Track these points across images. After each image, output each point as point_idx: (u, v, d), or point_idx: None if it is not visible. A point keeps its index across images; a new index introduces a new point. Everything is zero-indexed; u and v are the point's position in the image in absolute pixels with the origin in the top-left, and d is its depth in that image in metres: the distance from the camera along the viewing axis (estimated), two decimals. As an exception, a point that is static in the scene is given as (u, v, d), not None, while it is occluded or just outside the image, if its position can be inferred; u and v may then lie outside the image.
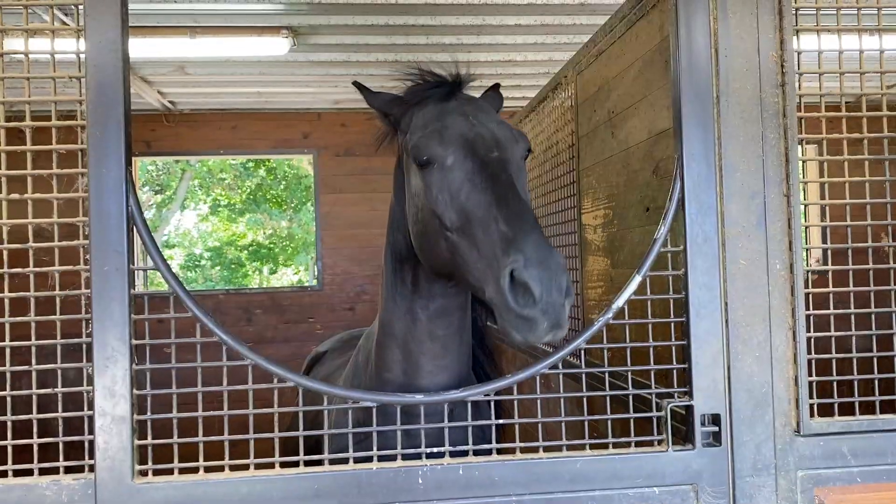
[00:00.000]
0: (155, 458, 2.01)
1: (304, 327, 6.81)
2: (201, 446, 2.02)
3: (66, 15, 1.88)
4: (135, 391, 1.98)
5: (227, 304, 6.83)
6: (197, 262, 18.15)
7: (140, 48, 4.73)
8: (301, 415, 2.07)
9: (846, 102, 2.24)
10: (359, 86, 2.65)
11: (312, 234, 7.11)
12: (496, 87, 3.00)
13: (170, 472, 2.01)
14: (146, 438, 2.00)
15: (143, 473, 1.99)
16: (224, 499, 1.97)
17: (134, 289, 2.02)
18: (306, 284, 9.47)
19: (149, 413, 2.01)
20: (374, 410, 2.06)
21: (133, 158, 6.36)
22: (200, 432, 2.03)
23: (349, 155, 6.97)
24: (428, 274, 2.43)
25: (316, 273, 7.02)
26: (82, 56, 2.01)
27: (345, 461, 2.03)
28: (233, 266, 17.84)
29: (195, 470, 2.00)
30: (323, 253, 6.97)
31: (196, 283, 17.68)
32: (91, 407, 1.97)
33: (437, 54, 5.31)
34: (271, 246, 17.84)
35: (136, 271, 2.03)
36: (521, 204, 2.05)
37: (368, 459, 2.06)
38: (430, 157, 2.21)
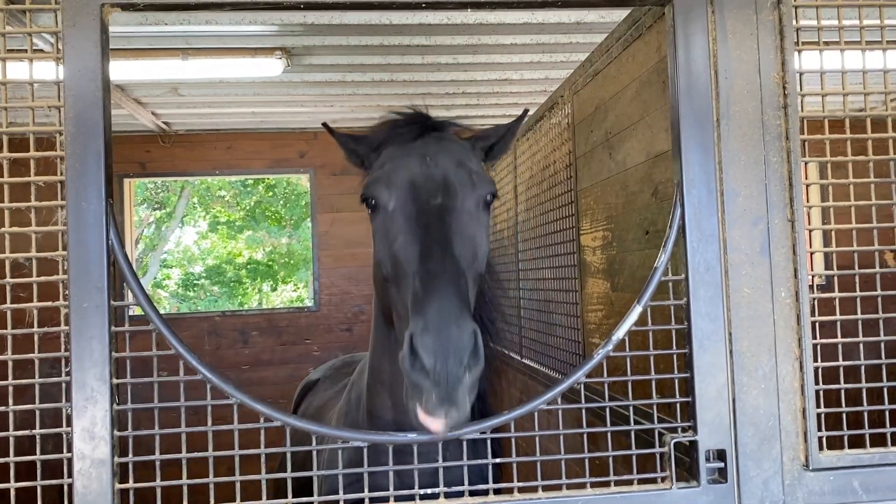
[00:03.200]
0: (137, 501, 1.93)
1: (300, 349, 6.72)
2: (185, 489, 1.94)
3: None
4: (116, 432, 1.90)
5: (223, 325, 6.74)
6: (196, 281, 18.07)
7: (132, 70, 4.68)
8: (289, 455, 1.99)
9: (849, 123, 2.17)
10: (327, 127, 2.57)
11: (311, 251, 7.03)
12: (523, 115, 2.77)
13: (152, 515, 1.92)
14: (128, 482, 1.92)
15: (125, 519, 1.91)
16: (208, 545, 1.89)
17: (115, 325, 1.95)
18: (303, 305, 9.39)
19: (130, 455, 1.93)
20: (366, 450, 1.98)
21: (128, 180, 6.30)
22: (185, 475, 1.95)
23: (346, 174, 6.90)
24: None
25: (313, 292, 6.94)
26: (61, 83, 1.94)
27: (335, 503, 1.95)
28: (232, 284, 17.77)
29: (179, 514, 1.92)
30: (320, 273, 6.90)
31: (197, 300, 17.61)
32: (70, 449, 1.89)
33: (432, 73, 5.27)
34: (270, 263, 17.78)
35: (117, 307, 1.96)
36: (445, 260, 1.90)
37: (360, 502, 1.97)
38: (377, 201, 2.13)
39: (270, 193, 17.31)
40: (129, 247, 6.70)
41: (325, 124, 2.58)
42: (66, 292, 1.92)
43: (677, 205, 2.11)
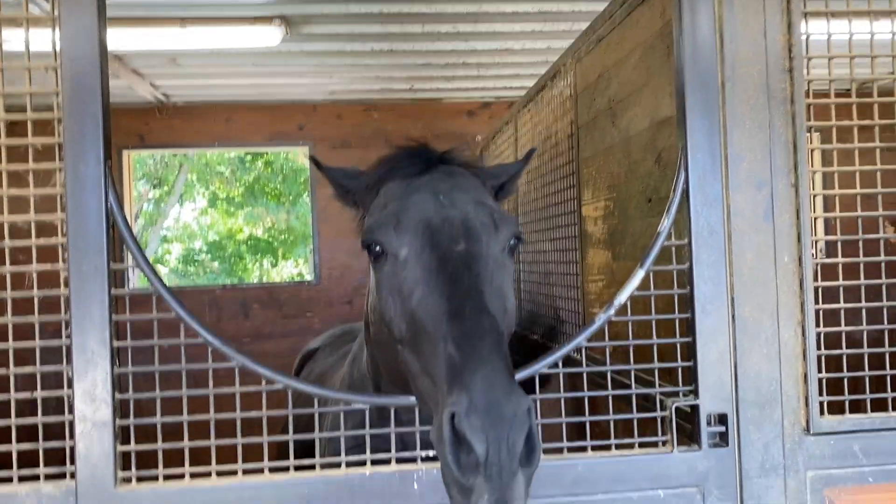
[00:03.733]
0: (139, 462, 1.94)
1: (301, 322, 6.72)
2: (187, 451, 1.94)
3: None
4: (117, 395, 1.90)
5: (223, 299, 6.74)
6: (196, 257, 18.06)
7: (130, 39, 4.63)
8: (291, 417, 1.99)
9: (856, 89, 2.15)
10: (314, 160, 2.24)
11: (310, 227, 7.01)
12: (530, 154, 2.43)
13: (154, 478, 1.93)
14: (129, 444, 1.92)
15: (127, 480, 1.92)
16: (211, 507, 1.89)
17: (115, 288, 1.94)
18: (304, 279, 9.38)
19: (132, 417, 1.93)
20: (367, 413, 1.98)
21: (127, 152, 6.26)
22: (186, 437, 1.95)
23: (345, 147, 6.87)
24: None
25: (314, 266, 6.93)
26: (57, 46, 1.92)
27: (337, 466, 1.96)
28: (232, 260, 17.75)
29: (181, 476, 1.93)
30: (320, 247, 6.88)
31: (196, 278, 17.61)
32: (71, 411, 1.89)
33: (433, 43, 5.21)
34: (270, 240, 17.75)
35: (116, 270, 1.95)
36: (483, 318, 1.59)
37: (362, 464, 1.98)
38: (382, 247, 1.82)
39: (269, 170, 17.24)
40: (129, 219, 6.68)
41: (312, 158, 2.26)
42: (66, 255, 1.91)
43: (681, 169, 2.09)
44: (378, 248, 1.82)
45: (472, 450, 1.37)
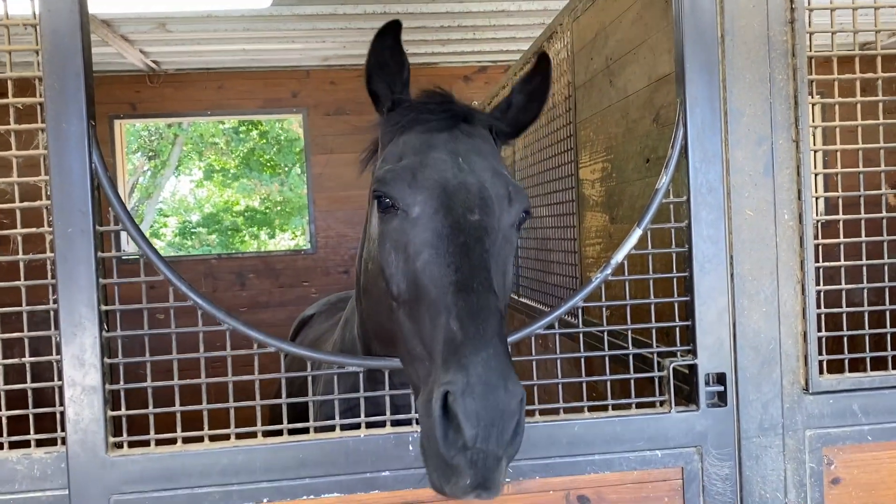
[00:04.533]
0: (131, 429, 1.92)
1: (298, 291, 6.70)
2: (179, 416, 1.92)
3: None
4: (106, 360, 1.87)
5: (219, 268, 6.70)
6: (193, 230, 18.00)
7: (117, 4, 4.54)
8: (283, 381, 1.97)
9: (859, 44, 2.09)
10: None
11: (305, 198, 6.95)
12: (543, 59, 2.17)
13: (146, 443, 1.91)
14: (120, 409, 1.90)
15: (118, 446, 1.89)
16: (203, 471, 1.87)
17: (102, 251, 1.90)
18: (300, 248, 9.34)
19: (122, 382, 1.90)
20: (362, 376, 1.96)
21: (119, 121, 6.17)
22: (177, 401, 1.93)
23: (340, 113, 6.78)
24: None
25: (310, 235, 6.89)
26: (35, 1, 1.85)
27: (331, 429, 1.94)
28: (229, 232, 17.69)
29: (173, 441, 1.91)
30: (316, 216, 6.83)
31: (193, 250, 17.56)
32: (61, 377, 1.86)
33: (426, 4, 5.12)
34: (266, 211, 17.68)
35: (103, 233, 1.91)
36: (489, 298, 1.55)
37: (356, 427, 1.96)
38: (394, 201, 1.75)
39: (264, 140, 17.10)
40: (121, 190, 6.62)
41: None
42: (51, 218, 1.86)
43: (680, 125, 2.04)
44: (388, 201, 1.75)
45: (460, 431, 1.37)
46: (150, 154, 17.42)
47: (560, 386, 2.03)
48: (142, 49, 5.92)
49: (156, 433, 1.90)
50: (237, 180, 17.55)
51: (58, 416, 1.88)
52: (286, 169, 17.11)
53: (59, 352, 1.86)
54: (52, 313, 1.87)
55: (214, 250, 17.24)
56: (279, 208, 17.61)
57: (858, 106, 2.17)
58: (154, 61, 6.34)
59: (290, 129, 16.40)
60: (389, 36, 1.94)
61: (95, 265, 1.86)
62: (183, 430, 1.91)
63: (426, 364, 1.55)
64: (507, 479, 1.93)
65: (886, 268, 2.17)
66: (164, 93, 6.65)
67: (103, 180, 1.88)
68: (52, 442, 1.89)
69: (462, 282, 1.56)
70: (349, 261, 6.87)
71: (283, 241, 17.78)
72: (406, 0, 5.00)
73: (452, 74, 6.91)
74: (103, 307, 1.88)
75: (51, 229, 1.86)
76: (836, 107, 2.17)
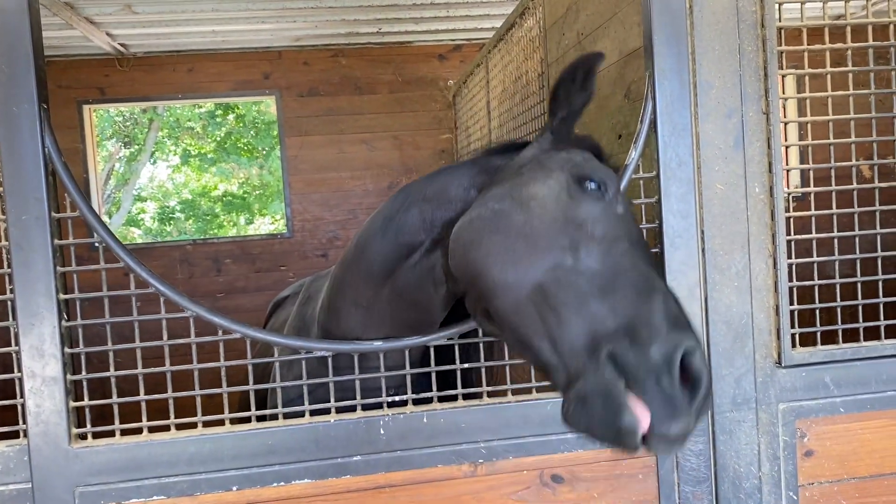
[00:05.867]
0: (96, 419, 1.88)
1: (276, 276, 6.63)
2: (144, 405, 1.88)
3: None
4: (66, 350, 1.83)
5: (195, 254, 6.61)
6: (171, 215, 17.78)
7: (79, -15, 4.42)
8: (251, 368, 1.93)
9: (827, 15, 2.07)
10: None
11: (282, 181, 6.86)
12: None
13: (111, 434, 1.87)
14: (83, 399, 1.85)
15: (82, 437, 1.85)
16: (170, 460, 1.84)
17: (59, 239, 1.84)
18: (276, 232, 9.26)
19: (84, 372, 1.85)
20: (330, 360, 1.92)
21: (88, 106, 6.01)
22: (142, 390, 1.89)
23: (313, 95, 6.68)
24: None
25: (287, 219, 6.82)
26: (-20, -21, 1.78)
27: (302, 416, 1.91)
28: (207, 217, 17.50)
29: (139, 431, 1.87)
30: (292, 199, 6.75)
31: (171, 237, 17.37)
32: (20, 368, 1.81)
33: (398, -17, 5.03)
34: (244, 196, 17.50)
35: (60, 219, 1.85)
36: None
37: (327, 412, 1.93)
38: (602, 186, 1.64)
39: (241, 124, 16.89)
40: (93, 178, 6.49)
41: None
42: (4, 205, 1.81)
43: (649, 98, 2.01)
44: (595, 184, 1.64)
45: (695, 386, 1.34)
46: (125, 140, 17.16)
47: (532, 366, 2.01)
48: (108, 32, 5.78)
49: (126, 423, 1.86)
50: (214, 164, 17.34)
51: (19, 408, 1.83)
52: (264, 152, 16.93)
53: (17, 343, 1.81)
54: (9, 303, 1.82)
55: (194, 236, 17.07)
56: (258, 192, 17.44)
57: (828, 77, 2.15)
58: (122, 44, 6.20)
59: (267, 112, 16.21)
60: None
61: (52, 253, 1.81)
62: (152, 420, 1.88)
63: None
64: (481, 461, 1.92)
65: (857, 239, 2.16)
66: (133, 77, 6.52)
67: (58, 166, 1.82)
68: (16, 435, 1.85)
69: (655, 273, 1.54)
70: (326, 244, 6.80)
71: (263, 226, 17.64)
72: (377, -22, 4.92)
73: (427, 53, 6.83)
74: (62, 296, 1.83)
75: (4, 217, 1.80)
76: (807, 79, 2.15)
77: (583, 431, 1.37)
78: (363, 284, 1.99)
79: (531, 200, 1.63)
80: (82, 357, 1.86)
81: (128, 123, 16.85)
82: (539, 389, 1.99)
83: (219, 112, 16.54)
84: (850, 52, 2.16)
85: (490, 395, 1.97)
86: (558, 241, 1.53)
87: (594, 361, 1.35)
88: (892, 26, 2.13)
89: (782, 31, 2.07)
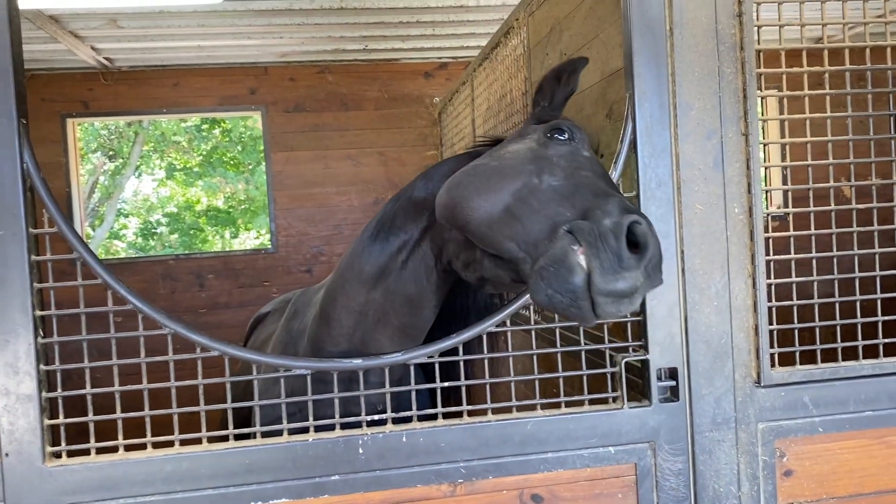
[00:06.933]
0: (75, 437, 1.85)
1: (259, 291, 6.59)
2: (120, 423, 1.86)
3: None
4: (42, 367, 1.80)
5: (177, 269, 6.57)
6: (154, 230, 17.67)
7: (65, -1, 4.40)
8: (229, 386, 1.92)
9: (806, 38, 2.10)
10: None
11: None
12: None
13: (86, 452, 1.84)
14: (58, 417, 1.83)
15: (57, 455, 1.83)
16: (146, 479, 1.82)
17: (37, 255, 1.83)
18: (261, 247, 9.22)
19: (59, 390, 1.83)
20: (309, 378, 1.91)
21: (71, 120, 5.97)
22: (118, 408, 1.87)
23: (299, 110, 6.69)
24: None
25: (271, 234, 6.80)
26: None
27: (280, 434, 1.89)
28: (191, 232, 17.41)
29: (115, 449, 1.84)
30: (276, 214, 6.73)
31: (154, 251, 17.26)
32: (-5, 386, 1.79)
33: (385, 0, 5.06)
34: (230, 210, 17.43)
35: (38, 235, 1.83)
36: None
37: (305, 431, 1.91)
38: (570, 134, 1.90)
39: (227, 138, 16.85)
40: (76, 192, 6.44)
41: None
42: (-20, 221, 1.79)
43: (629, 119, 2.03)
44: (566, 134, 1.88)
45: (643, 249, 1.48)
46: (110, 153, 17.07)
47: (512, 384, 2.01)
48: (93, 46, 5.77)
49: (107, 440, 1.84)
50: (200, 178, 17.27)
51: (-8, 426, 1.80)
52: (250, 167, 16.89)
53: (-8, 359, 1.79)
54: (-16, 320, 1.80)
55: (177, 251, 16.96)
56: (243, 207, 17.38)
57: (807, 99, 2.18)
58: (107, 58, 6.19)
59: (254, 127, 16.19)
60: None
61: (29, 269, 1.79)
62: (131, 437, 1.85)
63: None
64: (460, 480, 1.91)
65: (835, 260, 2.18)
66: (118, 90, 6.50)
67: (36, 181, 1.81)
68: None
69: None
70: (311, 259, 6.79)
71: (248, 241, 17.56)
72: (363, -5, 4.94)
73: (413, 70, 6.87)
74: (39, 312, 1.81)
75: (-19, 232, 1.78)
76: (785, 100, 2.18)
77: (546, 303, 1.50)
78: (356, 289, 2.15)
79: (506, 153, 1.88)
80: (58, 374, 1.83)
81: (113, 137, 16.77)
82: (519, 408, 1.98)
83: (205, 126, 16.50)
84: (827, 74, 2.19)
85: (471, 414, 1.97)
86: (526, 168, 1.76)
87: (554, 241, 1.52)
88: (867, 50, 2.17)
89: (761, 54, 2.10)
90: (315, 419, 1.89)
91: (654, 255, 1.49)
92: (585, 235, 1.47)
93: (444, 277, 2.09)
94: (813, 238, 2.15)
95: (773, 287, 2.09)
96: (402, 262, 2.10)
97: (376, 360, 1.94)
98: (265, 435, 1.89)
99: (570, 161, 1.78)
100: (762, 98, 2.14)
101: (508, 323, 1.99)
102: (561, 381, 2.01)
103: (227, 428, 1.90)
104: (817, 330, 2.15)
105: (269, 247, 6.82)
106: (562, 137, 1.87)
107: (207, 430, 1.88)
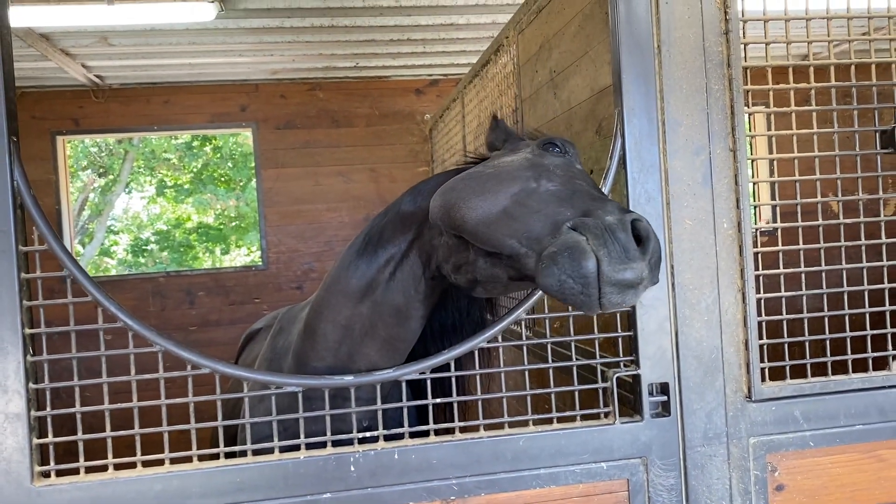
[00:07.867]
0: (64, 455, 1.84)
1: (249, 308, 6.57)
2: (109, 442, 1.84)
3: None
4: (31, 385, 1.79)
5: (168, 287, 6.55)
6: (145, 247, 17.60)
7: (54, 16, 4.41)
8: (219, 403, 1.91)
9: (792, 55, 2.12)
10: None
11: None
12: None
13: (76, 471, 1.83)
14: (47, 436, 1.81)
15: (45, 475, 1.81)
16: (136, 498, 1.80)
17: (27, 272, 1.82)
18: (251, 264, 9.20)
19: (48, 408, 1.82)
20: (301, 395, 1.91)
21: (61, 137, 5.98)
22: (108, 426, 1.85)
23: (290, 127, 6.71)
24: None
25: (261, 251, 6.79)
26: (-48, 12, 1.78)
27: (271, 451, 1.88)
28: (182, 249, 17.35)
29: (104, 468, 1.83)
30: (267, 231, 6.72)
31: (145, 268, 17.18)
32: (-17, 404, 1.77)
33: (375, 18, 5.10)
34: (220, 227, 17.38)
35: (27, 252, 1.83)
36: None
37: (297, 448, 1.90)
38: (563, 148, 1.97)
39: (218, 155, 16.85)
40: (66, 209, 6.42)
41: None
42: (-30, 238, 1.78)
43: (618, 135, 2.05)
44: (559, 148, 1.95)
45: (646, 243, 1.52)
46: (100, 171, 17.03)
47: (504, 400, 2.01)
48: (84, 63, 5.78)
49: (97, 458, 1.82)
50: (190, 195, 17.23)
51: (-20, 445, 1.79)
52: (241, 184, 16.87)
53: (-20, 378, 1.77)
54: (-28, 338, 1.79)
55: (168, 268, 16.89)
56: (234, 223, 17.34)
57: (793, 115, 2.20)
58: (97, 76, 6.20)
59: (245, 144, 16.20)
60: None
61: (19, 287, 1.78)
62: (119, 456, 1.84)
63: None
64: (452, 497, 1.91)
65: (824, 274, 2.20)
66: (108, 108, 6.50)
67: (26, 199, 1.80)
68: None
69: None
70: (301, 276, 6.78)
71: (239, 258, 17.51)
72: (354, 14, 4.97)
73: (404, 87, 6.90)
74: (28, 330, 1.80)
75: (-30, 250, 1.77)
76: (773, 116, 2.20)
77: (556, 287, 1.50)
78: (343, 303, 2.14)
79: (502, 163, 1.93)
80: (47, 392, 1.82)
81: (103, 154, 16.74)
82: (512, 424, 1.98)
83: (196, 143, 16.50)
84: (813, 91, 2.21)
85: (463, 430, 1.96)
86: (524, 174, 1.79)
87: (557, 236, 1.55)
88: (852, 67, 2.20)
89: (748, 71, 2.13)
90: (305, 436, 1.88)
91: (656, 250, 1.53)
92: (592, 229, 1.50)
93: (431, 286, 2.09)
94: (801, 253, 2.17)
95: (762, 301, 2.11)
96: (389, 274, 2.10)
97: (368, 377, 1.93)
98: (256, 453, 1.88)
99: (565, 170, 1.83)
100: (750, 114, 2.16)
101: (500, 339, 2.00)
102: (553, 396, 2.01)
103: (217, 445, 1.89)
104: (807, 344, 2.17)
105: (260, 264, 6.81)
106: (556, 150, 1.94)
107: (198, 448, 1.87)
